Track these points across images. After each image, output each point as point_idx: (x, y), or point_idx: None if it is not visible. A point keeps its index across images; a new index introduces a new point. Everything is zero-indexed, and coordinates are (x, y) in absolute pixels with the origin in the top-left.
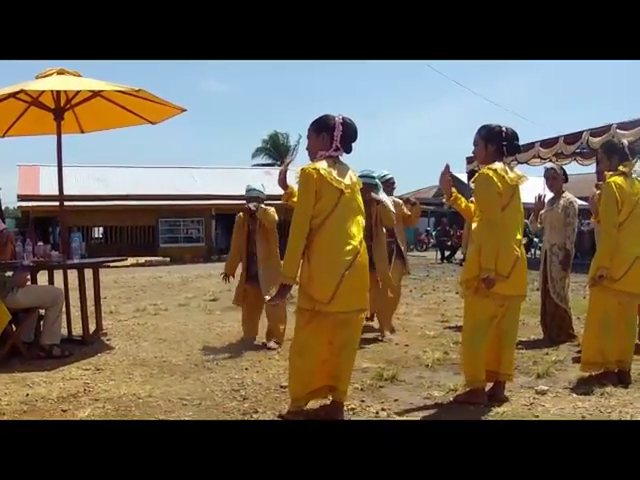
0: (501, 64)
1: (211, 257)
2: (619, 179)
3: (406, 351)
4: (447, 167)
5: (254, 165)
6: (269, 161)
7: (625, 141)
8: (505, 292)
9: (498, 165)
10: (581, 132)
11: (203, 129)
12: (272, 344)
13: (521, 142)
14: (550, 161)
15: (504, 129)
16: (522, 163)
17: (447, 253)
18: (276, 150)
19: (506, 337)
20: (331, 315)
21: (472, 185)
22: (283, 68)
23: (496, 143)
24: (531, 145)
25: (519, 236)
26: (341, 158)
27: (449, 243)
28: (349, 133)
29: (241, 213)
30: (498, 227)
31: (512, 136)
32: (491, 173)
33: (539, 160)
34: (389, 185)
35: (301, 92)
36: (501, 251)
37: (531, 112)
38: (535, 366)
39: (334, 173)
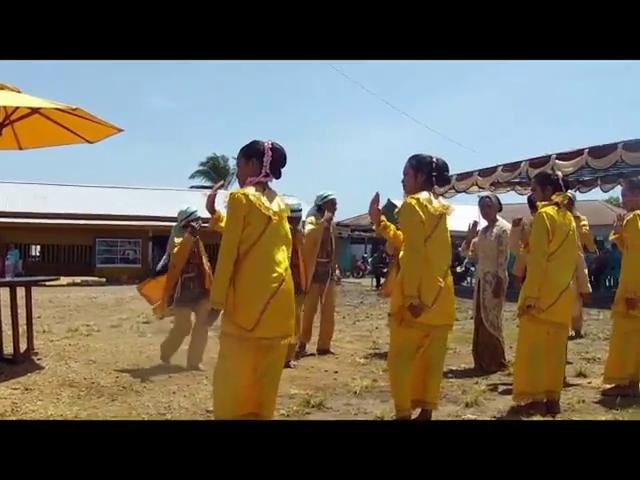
0: (444, 91)
1: (147, 279)
2: (551, 210)
3: (335, 378)
4: (376, 195)
5: (192, 187)
6: (208, 183)
7: (560, 173)
8: (429, 321)
9: (423, 195)
10: (520, 162)
11: (144, 147)
12: (201, 366)
13: (460, 170)
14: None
15: (435, 159)
16: (460, 192)
17: (383, 280)
18: (215, 173)
19: (432, 366)
20: (255, 341)
21: (396, 215)
22: (226, 88)
23: (426, 173)
24: (469, 174)
25: (444, 267)
26: (270, 184)
27: (385, 270)
28: (278, 159)
29: (185, 234)
30: (420, 255)
31: (442, 167)
32: (414, 202)
33: (477, 188)
34: (332, 205)
35: (243, 114)
36: (424, 280)
37: (472, 140)
38: (464, 395)
39: (263, 199)
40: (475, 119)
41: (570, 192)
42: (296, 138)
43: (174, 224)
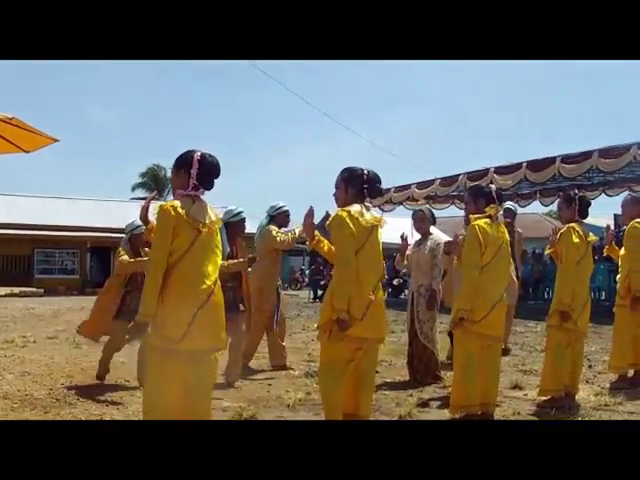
0: (386, 105)
1: (85, 290)
2: (483, 222)
3: (269, 390)
4: (310, 209)
5: (133, 198)
6: (156, 195)
7: (493, 186)
8: (359, 334)
9: (354, 207)
10: (458, 175)
11: (83, 158)
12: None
13: (397, 183)
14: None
15: (366, 172)
16: (398, 204)
17: (320, 292)
18: (155, 183)
19: (364, 380)
20: (183, 354)
21: (327, 227)
22: (166, 98)
23: (357, 185)
24: (407, 186)
25: (375, 280)
26: (202, 196)
27: (322, 282)
28: (208, 170)
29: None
30: (351, 268)
31: (373, 179)
32: (345, 214)
33: (415, 201)
34: (285, 217)
35: (184, 124)
36: (354, 293)
37: (418, 154)
38: (397, 408)
39: (191, 212)
40: (418, 133)
41: (511, 204)
42: (237, 150)
43: (112, 235)
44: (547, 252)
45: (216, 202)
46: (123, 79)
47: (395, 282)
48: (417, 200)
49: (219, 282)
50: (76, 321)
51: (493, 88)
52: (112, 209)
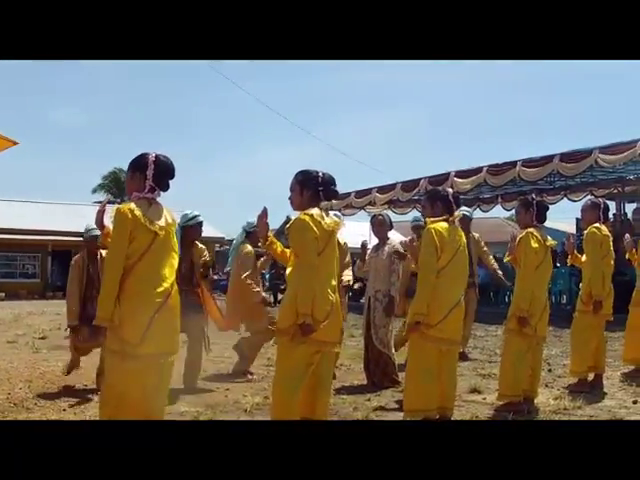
0: (345, 109)
1: (46, 294)
2: (439, 226)
3: (226, 395)
4: (265, 210)
5: (95, 202)
6: (110, 198)
7: (450, 189)
8: (321, 338)
9: (314, 211)
10: (419, 179)
11: (45, 161)
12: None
13: (359, 188)
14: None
15: (320, 174)
16: (359, 209)
17: (280, 297)
18: (117, 187)
19: (321, 384)
20: (141, 357)
21: (286, 231)
22: (131, 99)
23: (312, 188)
24: (368, 191)
25: (334, 282)
26: (158, 198)
27: (283, 287)
28: (164, 171)
29: (77, 255)
30: (314, 272)
31: (329, 181)
32: (307, 218)
33: (375, 206)
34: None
35: (145, 127)
36: (317, 296)
37: (375, 158)
38: (355, 412)
39: (148, 215)
40: (380, 136)
41: (465, 209)
42: (197, 155)
43: (74, 239)
44: (506, 259)
45: (172, 206)
46: (87, 80)
47: (356, 286)
48: (379, 204)
49: (176, 285)
50: (36, 325)
51: (460, 89)
52: (74, 212)
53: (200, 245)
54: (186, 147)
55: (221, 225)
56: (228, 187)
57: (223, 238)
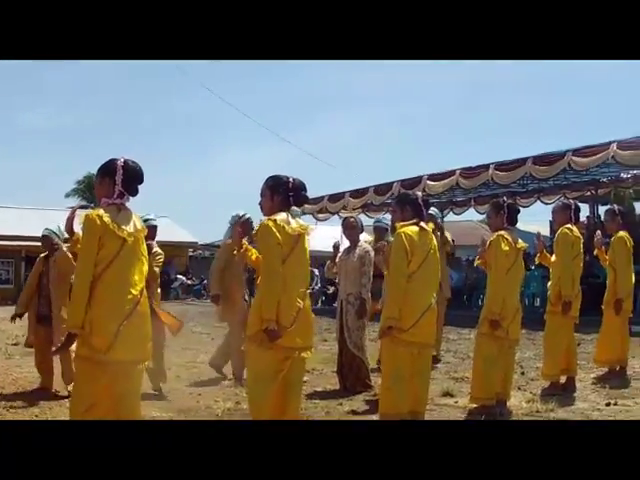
0: (319, 112)
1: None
2: (409, 230)
3: (198, 400)
4: (241, 219)
5: (69, 207)
6: (84, 203)
7: (419, 193)
8: (288, 344)
9: (279, 216)
10: (392, 183)
11: (16, 165)
12: (64, 391)
13: (331, 192)
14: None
15: (291, 179)
16: (333, 213)
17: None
18: (91, 192)
19: (292, 389)
20: (110, 364)
21: (253, 237)
22: (102, 105)
23: (282, 193)
24: (341, 195)
25: (302, 288)
26: (127, 204)
27: None
28: (132, 176)
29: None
30: (278, 277)
31: (299, 186)
32: (271, 224)
33: (349, 210)
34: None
35: (120, 132)
36: (282, 302)
37: (348, 161)
38: (327, 417)
39: (117, 221)
40: (351, 139)
41: (434, 210)
42: (170, 160)
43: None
44: (477, 263)
45: (142, 211)
46: (60, 82)
47: (331, 291)
48: (352, 208)
49: (146, 291)
50: (9, 331)
51: (433, 92)
52: (48, 217)
53: (155, 248)
54: (160, 150)
55: (195, 230)
56: (201, 192)
57: (196, 243)
